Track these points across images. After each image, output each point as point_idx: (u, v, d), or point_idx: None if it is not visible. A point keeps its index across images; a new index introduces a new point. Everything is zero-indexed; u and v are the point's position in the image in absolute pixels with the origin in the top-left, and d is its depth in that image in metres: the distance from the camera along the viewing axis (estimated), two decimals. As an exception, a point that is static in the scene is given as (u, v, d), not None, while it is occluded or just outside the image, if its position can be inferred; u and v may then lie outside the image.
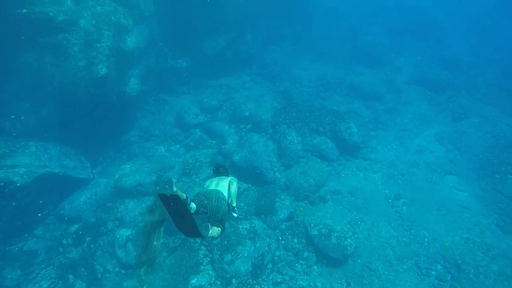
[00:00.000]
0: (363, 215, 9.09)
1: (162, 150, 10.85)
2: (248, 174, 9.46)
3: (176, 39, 13.73)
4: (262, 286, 6.51)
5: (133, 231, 7.64)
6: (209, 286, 6.61)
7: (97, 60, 9.09)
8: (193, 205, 4.08)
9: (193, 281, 6.56)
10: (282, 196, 8.91)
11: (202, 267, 6.82)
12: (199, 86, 14.44)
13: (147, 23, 11.78)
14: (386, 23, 22.93)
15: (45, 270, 6.75)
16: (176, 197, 3.29)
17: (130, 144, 10.99)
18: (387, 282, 7.38)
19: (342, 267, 7.67)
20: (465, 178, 10.60)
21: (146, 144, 10.92)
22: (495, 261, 7.74)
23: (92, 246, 7.71)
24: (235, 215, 4.49)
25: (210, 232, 3.94)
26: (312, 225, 8.23)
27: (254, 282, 6.58)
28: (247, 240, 7.31)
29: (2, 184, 7.14)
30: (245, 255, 7.05)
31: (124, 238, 7.50)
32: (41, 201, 8.13)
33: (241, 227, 7.64)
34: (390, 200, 9.77)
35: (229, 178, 4.72)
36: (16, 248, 7.31)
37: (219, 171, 5.08)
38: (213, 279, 6.75)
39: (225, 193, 4.45)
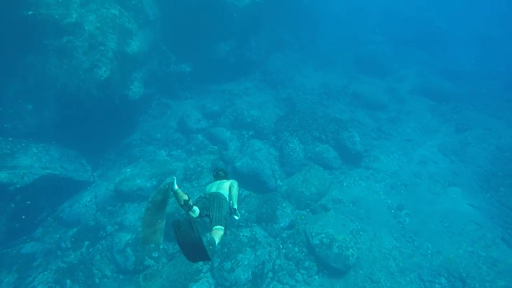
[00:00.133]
0: (365, 225, 8.97)
1: (164, 154, 10.77)
2: (250, 181, 9.36)
3: (180, 43, 13.76)
4: (262, 295, 6.39)
5: (133, 236, 7.50)
6: (208, 294, 6.48)
7: (101, 63, 9.09)
8: (196, 209, 4.08)
9: (192, 288, 6.42)
10: (284, 204, 8.81)
11: (202, 274, 6.70)
12: (202, 91, 14.43)
13: (151, 27, 11.80)
14: (389, 32, 23.02)
15: (42, 274, 6.64)
16: (188, 221, 3.33)
17: (131, 148, 10.91)
18: (390, 294, 7.25)
19: (343, 277, 7.52)
20: (468, 190, 10.49)
21: (148, 148, 10.85)
22: (502, 276, 7.57)
23: (90, 250, 7.58)
24: (236, 217, 4.51)
25: (211, 233, 3.95)
26: (313, 234, 8.11)
27: (254, 291, 6.46)
28: (247, 248, 7.19)
29: (2, 185, 7.04)
30: (246, 263, 6.92)
31: (123, 243, 7.37)
32: (40, 203, 8.03)
33: (241, 234, 7.52)
34: (392, 211, 9.65)
35: (229, 181, 4.77)
36: (13, 251, 7.20)
37: (219, 175, 5.14)
38: (213, 287, 6.63)
39: (226, 196, 4.48)
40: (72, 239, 7.79)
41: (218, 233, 3.98)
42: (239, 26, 14.47)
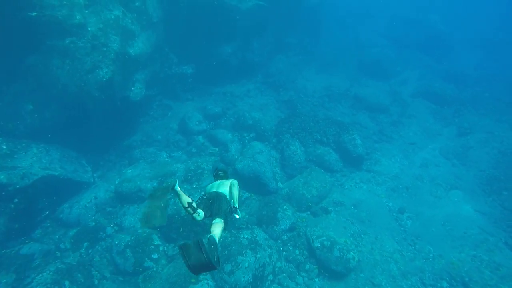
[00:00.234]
0: (367, 228, 8.92)
1: (164, 156, 10.75)
2: (250, 183, 9.33)
3: (182, 45, 13.76)
4: (262, 298, 6.33)
5: (132, 238, 7.45)
6: (207, 297, 6.44)
7: (103, 64, 9.09)
8: (200, 211, 4.05)
9: (191, 291, 6.37)
10: (284, 206, 8.76)
11: (202, 276, 6.64)
12: (203, 93, 14.42)
13: (154, 29, 11.82)
14: (392, 35, 23.06)
15: (40, 275, 6.58)
16: (197, 244, 3.26)
17: (132, 149, 10.89)
18: (391, 298, 7.19)
19: (344, 280, 7.47)
20: (471, 194, 10.43)
21: (148, 150, 10.82)
22: (505, 281, 7.50)
23: (90, 251, 7.54)
24: (237, 216, 4.50)
25: (211, 228, 3.95)
26: (314, 236, 8.06)
27: (254, 294, 6.40)
28: (248, 250, 7.14)
29: (1, 185, 7.00)
30: (246, 266, 6.87)
31: (123, 244, 7.31)
32: (40, 204, 7.99)
33: (242, 236, 7.47)
34: (394, 214, 9.60)
35: (230, 181, 4.75)
36: (12, 252, 7.14)
37: (219, 175, 5.15)
38: (212, 289, 6.58)
39: (227, 195, 4.47)
40: (72, 240, 7.76)
41: (217, 227, 3.94)
42: (242, 29, 14.47)
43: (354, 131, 11.91)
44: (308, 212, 9.15)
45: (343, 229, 8.58)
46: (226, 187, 4.62)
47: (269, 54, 17.26)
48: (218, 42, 14.33)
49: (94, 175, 9.75)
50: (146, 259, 7.13)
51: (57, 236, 7.90)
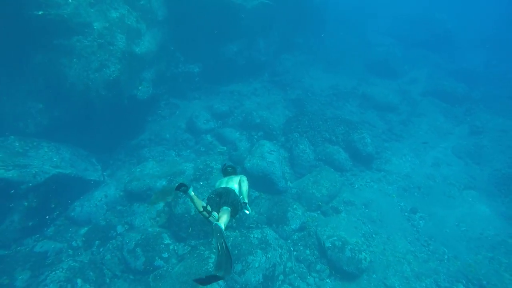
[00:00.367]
0: (378, 228, 8.75)
1: (173, 154, 10.70)
2: (259, 182, 9.21)
3: (188, 44, 13.71)
4: (274, 299, 6.21)
5: (143, 236, 7.41)
6: (218, 297, 6.34)
7: (109, 63, 9.08)
8: (215, 214, 4.03)
9: (202, 291, 6.28)
10: (294, 206, 8.65)
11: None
12: (210, 91, 14.35)
13: (160, 27, 11.77)
14: (399, 34, 22.84)
15: (54, 272, 6.61)
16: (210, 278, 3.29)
17: (140, 148, 10.86)
18: (405, 300, 7.01)
19: (356, 281, 7.32)
20: (486, 194, 10.20)
21: (157, 148, 10.78)
22: (526, 285, 7.28)
23: (101, 249, 7.53)
24: (247, 212, 4.45)
25: (218, 216, 4.00)
26: (325, 236, 7.93)
27: (265, 294, 6.28)
28: (258, 250, 7.03)
29: (14, 183, 7.08)
30: (256, 266, 6.76)
31: (133, 243, 7.26)
32: (52, 202, 8.02)
33: (252, 236, 7.37)
34: (406, 214, 9.42)
35: (239, 176, 4.76)
36: (27, 249, 7.26)
37: (227, 170, 5.16)
38: (223, 289, 6.48)
39: (236, 191, 4.49)
40: (83, 238, 7.79)
41: (224, 215, 3.96)
42: (248, 27, 14.39)
43: (364, 130, 11.76)
44: (318, 212, 9.02)
45: (354, 229, 8.42)
46: (235, 183, 4.63)
47: (276, 53, 17.15)
48: (224, 41, 14.27)
49: (104, 173, 9.74)
50: (157, 258, 7.08)
51: (69, 234, 7.92)
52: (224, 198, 4.25)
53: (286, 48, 17.92)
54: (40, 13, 8.31)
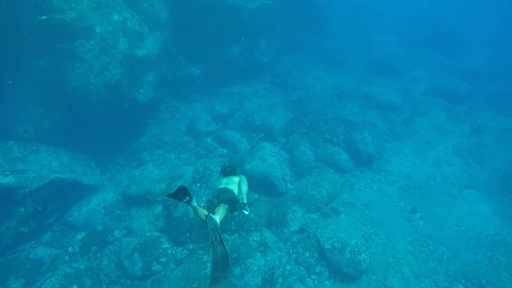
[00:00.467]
0: (378, 228, 8.73)
1: (173, 157, 10.74)
2: (259, 184, 9.21)
3: (190, 46, 13.75)
4: (272, 302, 6.23)
5: (141, 241, 7.42)
6: (217, 301, 6.35)
7: (111, 66, 9.13)
8: (216, 219, 4.06)
9: (200, 294, 6.31)
10: (294, 208, 8.64)
11: (210, 280, 6.56)
12: (211, 94, 14.39)
13: (161, 30, 11.83)
14: (402, 33, 22.70)
15: (49, 280, 6.54)
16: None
17: (140, 151, 10.91)
18: (404, 301, 7.00)
19: (355, 283, 7.30)
20: (486, 193, 10.13)
21: (157, 152, 10.84)
22: (525, 283, 7.24)
23: (98, 255, 7.51)
24: (246, 212, 4.47)
25: (215, 210, 4.12)
26: (324, 238, 7.92)
27: (263, 297, 6.30)
28: (257, 253, 7.03)
29: (11, 189, 7.02)
30: (255, 269, 6.77)
31: (131, 248, 7.27)
32: (49, 207, 7.98)
33: (251, 239, 7.38)
34: (406, 214, 9.39)
35: (238, 177, 4.80)
36: (22, 256, 7.15)
37: (227, 171, 5.19)
38: (222, 293, 6.49)
39: (235, 191, 4.50)
40: (80, 244, 7.73)
41: (220, 210, 4.07)
42: (250, 28, 14.40)
43: (365, 130, 11.72)
44: (318, 213, 9.01)
45: (354, 230, 8.42)
46: (234, 184, 4.66)
47: (277, 54, 17.15)
48: (226, 42, 14.29)
49: (103, 177, 9.78)
50: (154, 262, 7.08)
51: (66, 240, 7.87)
52: (222, 196, 4.32)
53: (288, 49, 17.91)
54: (43, 18, 8.40)
